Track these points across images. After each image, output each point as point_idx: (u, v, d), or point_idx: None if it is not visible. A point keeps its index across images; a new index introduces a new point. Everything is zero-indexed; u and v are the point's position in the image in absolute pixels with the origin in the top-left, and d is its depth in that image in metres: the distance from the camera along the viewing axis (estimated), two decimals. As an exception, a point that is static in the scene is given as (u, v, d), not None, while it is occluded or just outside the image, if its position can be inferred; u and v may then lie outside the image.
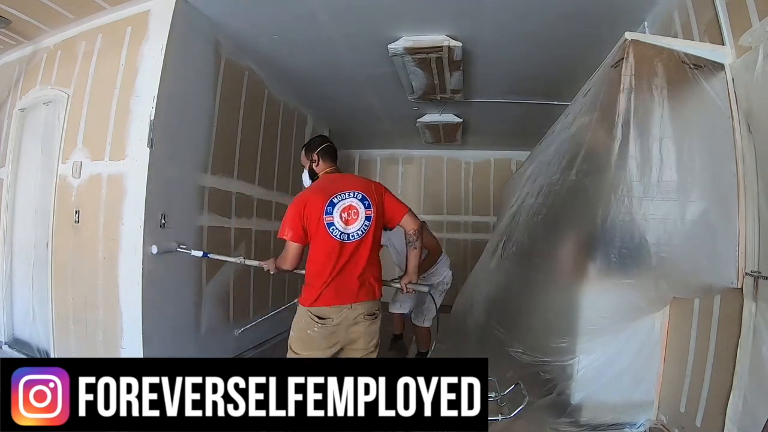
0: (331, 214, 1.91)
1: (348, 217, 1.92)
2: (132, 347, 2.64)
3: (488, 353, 2.96)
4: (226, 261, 2.98)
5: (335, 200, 1.93)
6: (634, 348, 2.27)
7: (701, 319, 2.09)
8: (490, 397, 1.79)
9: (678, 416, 2.16)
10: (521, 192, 3.33)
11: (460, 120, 5.19)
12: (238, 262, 2.70)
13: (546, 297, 2.48)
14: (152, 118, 2.66)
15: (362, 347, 1.95)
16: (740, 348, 1.79)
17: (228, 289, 3.55)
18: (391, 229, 2.10)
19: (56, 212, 3.01)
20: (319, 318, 1.91)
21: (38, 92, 3.34)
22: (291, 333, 1.99)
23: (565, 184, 2.41)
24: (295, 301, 2.06)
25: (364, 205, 1.95)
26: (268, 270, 2.14)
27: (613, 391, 2.26)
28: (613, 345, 2.24)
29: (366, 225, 1.93)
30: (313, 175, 2.12)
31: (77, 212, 2.90)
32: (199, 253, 2.81)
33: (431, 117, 5.19)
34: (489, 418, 1.72)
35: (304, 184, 2.14)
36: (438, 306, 3.22)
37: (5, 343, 3.34)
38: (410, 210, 2.06)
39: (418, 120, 5.28)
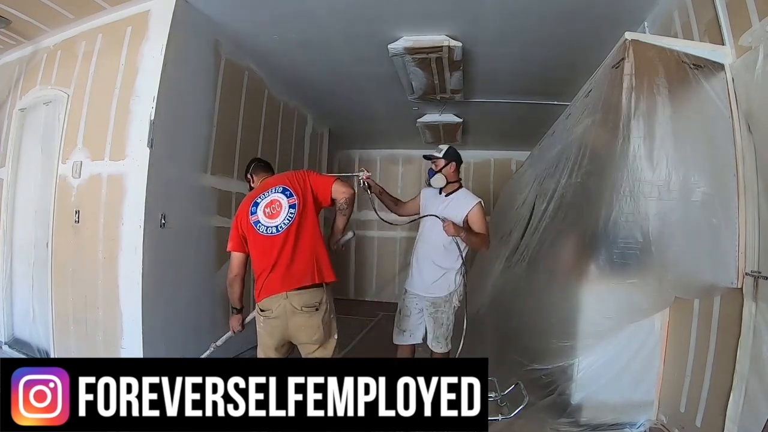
0: (256, 213, 2.02)
1: (272, 211, 1.99)
2: (132, 347, 2.64)
3: (493, 354, 2.97)
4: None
5: (258, 200, 2.04)
6: (634, 348, 2.27)
7: (701, 319, 2.09)
8: (490, 397, 1.78)
9: (678, 416, 2.16)
10: (527, 195, 3.31)
11: (460, 120, 5.19)
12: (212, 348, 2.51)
13: (550, 298, 2.48)
14: (152, 118, 2.66)
15: (305, 340, 1.96)
16: (740, 348, 1.79)
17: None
18: (331, 206, 2.10)
19: (56, 212, 3.01)
20: (262, 311, 1.98)
21: (38, 92, 3.34)
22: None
23: (570, 187, 2.40)
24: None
25: (285, 195, 2.01)
26: (233, 329, 2.30)
27: (613, 391, 2.26)
28: (613, 345, 2.24)
29: (291, 213, 1.98)
30: (251, 189, 2.25)
31: (77, 212, 2.90)
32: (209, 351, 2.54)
33: (431, 117, 5.19)
34: (489, 418, 1.73)
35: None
36: (453, 322, 2.53)
37: (5, 343, 3.34)
38: (338, 179, 2.09)
39: (418, 120, 5.28)
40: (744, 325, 1.78)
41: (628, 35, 2.05)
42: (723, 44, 2.01)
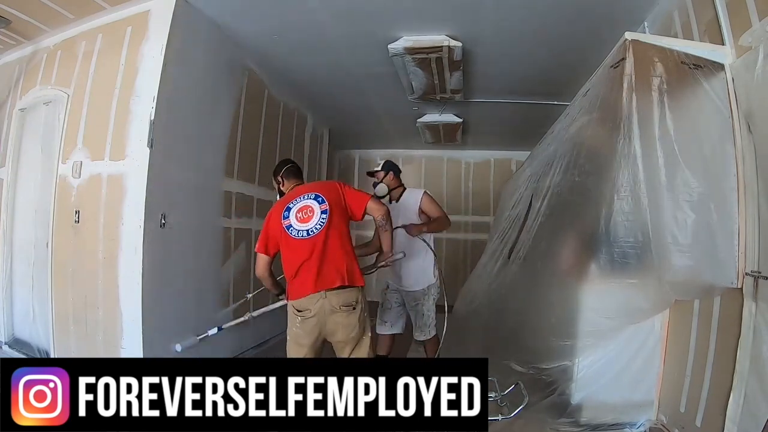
0: (288, 217, 2.11)
1: (303, 216, 2.09)
2: (132, 347, 2.64)
3: (493, 355, 2.97)
4: (235, 324, 2.92)
5: (291, 205, 2.14)
6: (634, 348, 2.27)
7: (701, 319, 2.09)
8: (490, 397, 1.78)
9: (678, 416, 2.16)
10: (522, 193, 3.32)
11: (460, 120, 5.19)
12: (247, 318, 2.81)
13: (549, 298, 2.48)
14: (152, 118, 2.66)
15: (342, 338, 2.05)
16: (740, 348, 1.78)
17: (228, 288, 3.55)
18: (360, 221, 2.22)
19: (56, 212, 3.01)
20: (299, 311, 2.05)
21: (38, 92, 3.34)
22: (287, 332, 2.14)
23: (568, 185, 2.41)
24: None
25: (318, 202, 2.11)
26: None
27: (613, 391, 2.26)
28: (613, 345, 2.24)
29: (323, 219, 2.07)
30: (282, 195, 2.35)
31: (77, 212, 2.90)
32: (214, 330, 2.88)
33: (431, 117, 5.19)
34: (489, 418, 1.73)
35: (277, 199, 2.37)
36: (434, 311, 2.87)
37: (5, 343, 3.34)
38: (373, 197, 2.22)
39: (418, 120, 5.28)
40: (744, 325, 1.78)
41: (628, 35, 2.05)
42: (723, 44, 2.01)
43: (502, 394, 1.80)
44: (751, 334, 1.74)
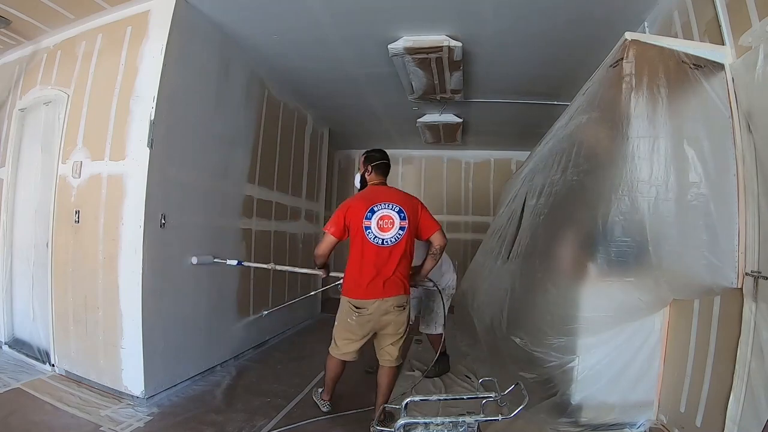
0: (370, 219, 2.33)
1: (384, 225, 2.32)
2: (132, 347, 2.64)
3: (495, 355, 2.97)
4: (257, 267, 3.42)
5: (375, 209, 2.34)
6: (634, 348, 2.27)
7: (701, 319, 2.09)
8: (490, 397, 1.78)
9: (678, 416, 2.16)
10: (519, 191, 3.32)
11: (460, 120, 5.19)
12: (269, 268, 3.10)
13: (547, 297, 2.48)
14: (152, 118, 2.66)
15: (392, 332, 2.39)
16: (740, 348, 1.78)
17: (230, 288, 3.55)
18: (422, 240, 2.47)
19: (56, 212, 3.01)
20: (357, 308, 2.34)
21: (38, 92, 3.34)
22: (335, 322, 2.47)
23: (566, 184, 2.41)
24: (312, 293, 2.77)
25: (400, 217, 2.34)
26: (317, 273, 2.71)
27: (613, 391, 2.26)
28: (613, 345, 2.24)
29: (399, 234, 2.33)
30: (362, 181, 2.57)
31: (77, 212, 2.90)
32: (234, 262, 3.18)
33: (431, 117, 5.19)
34: (489, 418, 1.72)
35: (355, 184, 2.64)
36: (447, 310, 3.22)
37: (5, 343, 3.35)
38: (440, 228, 2.46)
39: (418, 120, 5.28)
40: (744, 325, 1.78)
41: (628, 35, 2.05)
42: (723, 44, 2.01)
43: (502, 394, 1.80)
44: (751, 334, 1.74)
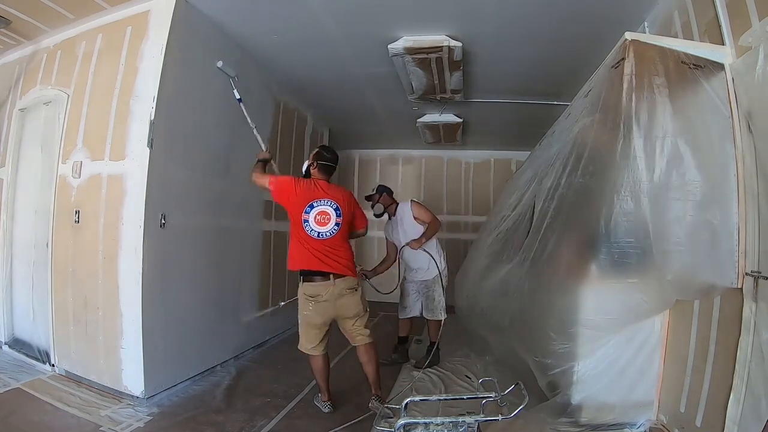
0: (309, 213, 2.53)
1: (321, 219, 2.54)
2: (132, 347, 2.64)
3: (498, 357, 2.95)
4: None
5: (315, 204, 2.54)
6: (634, 348, 2.27)
7: (701, 319, 2.09)
8: (490, 397, 1.79)
9: (678, 416, 2.16)
10: (524, 194, 3.29)
11: (460, 120, 5.20)
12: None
13: (551, 298, 2.47)
14: (152, 118, 2.66)
15: (352, 313, 2.59)
16: (740, 348, 1.78)
17: (230, 289, 3.55)
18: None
19: (56, 212, 3.01)
20: (311, 296, 2.53)
21: (38, 92, 3.34)
22: (299, 316, 2.62)
23: (571, 186, 2.40)
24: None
25: (336, 214, 2.57)
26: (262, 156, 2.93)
27: (613, 391, 2.26)
28: (614, 345, 2.24)
29: (335, 229, 2.56)
30: (307, 172, 2.72)
31: (77, 212, 2.90)
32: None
33: (431, 117, 5.19)
34: (489, 418, 1.73)
35: (302, 170, 2.76)
36: (445, 292, 3.52)
37: (5, 343, 3.35)
38: (367, 224, 2.86)
39: (418, 120, 5.28)
40: (744, 325, 1.78)
41: (628, 35, 2.05)
42: (723, 44, 2.01)
43: (502, 394, 1.80)
44: (751, 334, 1.74)
